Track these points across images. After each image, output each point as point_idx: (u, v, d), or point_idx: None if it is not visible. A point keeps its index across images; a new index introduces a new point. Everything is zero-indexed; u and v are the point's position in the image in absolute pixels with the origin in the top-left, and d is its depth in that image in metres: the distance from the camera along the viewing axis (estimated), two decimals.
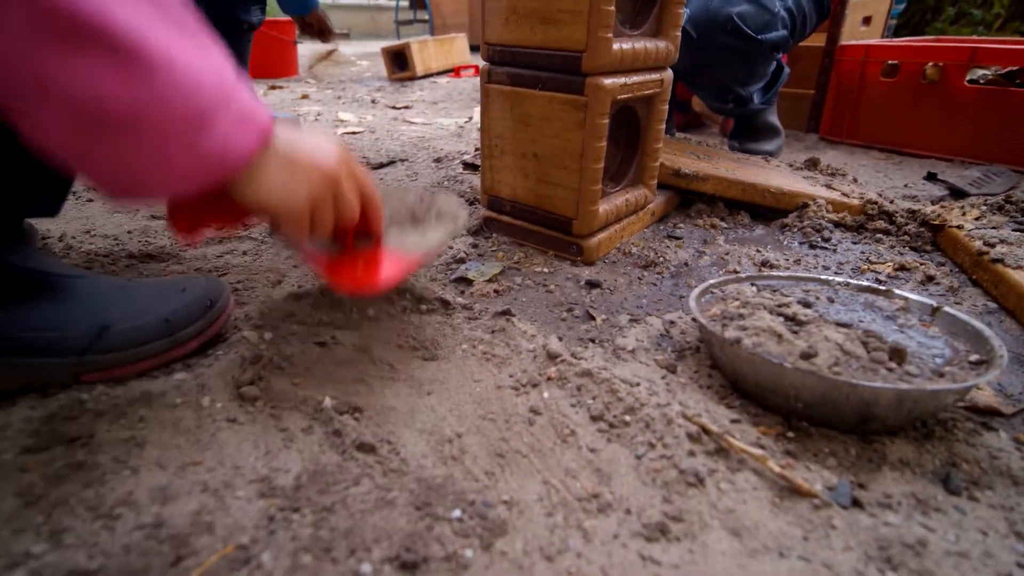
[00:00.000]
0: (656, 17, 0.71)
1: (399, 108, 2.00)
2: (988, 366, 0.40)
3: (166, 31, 0.31)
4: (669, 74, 0.75)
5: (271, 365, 0.47)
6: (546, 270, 0.70)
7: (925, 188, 1.11)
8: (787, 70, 1.20)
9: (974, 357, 0.41)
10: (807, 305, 0.49)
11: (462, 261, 0.71)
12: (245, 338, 0.49)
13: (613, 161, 0.82)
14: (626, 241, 0.79)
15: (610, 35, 0.62)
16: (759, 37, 0.95)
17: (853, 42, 1.47)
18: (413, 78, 2.81)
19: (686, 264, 0.73)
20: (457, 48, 3.13)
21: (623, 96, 0.68)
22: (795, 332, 0.42)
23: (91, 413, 0.40)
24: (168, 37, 0.31)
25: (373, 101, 2.11)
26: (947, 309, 0.47)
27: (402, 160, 1.23)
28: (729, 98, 1.11)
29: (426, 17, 4.87)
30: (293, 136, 0.40)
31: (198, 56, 0.33)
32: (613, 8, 0.61)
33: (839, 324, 0.43)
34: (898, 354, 0.39)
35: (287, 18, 2.96)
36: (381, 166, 1.18)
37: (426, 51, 2.87)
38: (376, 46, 5.95)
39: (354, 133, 1.52)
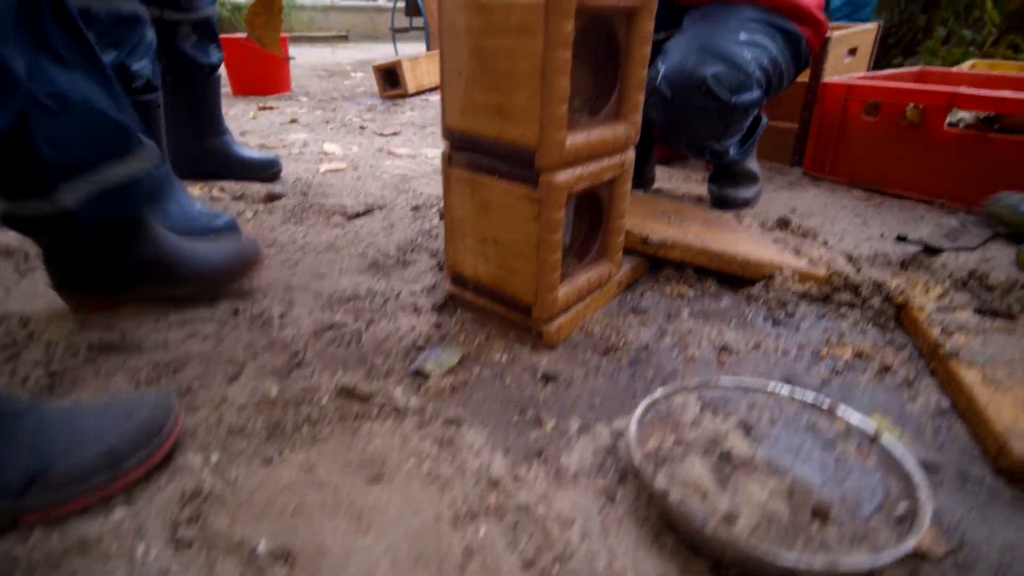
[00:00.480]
0: (616, 101, 0.71)
1: (386, 135, 2.00)
2: (912, 523, 0.40)
3: None
4: (630, 155, 0.75)
5: (212, 497, 0.47)
6: (505, 358, 0.70)
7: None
8: (764, 121, 1.19)
9: (902, 508, 0.42)
10: (747, 430, 0.49)
11: (422, 348, 0.71)
12: (188, 467, 0.49)
13: (577, 237, 0.82)
14: (590, 319, 0.79)
15: (563, 134, 0.62)
16: (732, 101, 0.94)
17: (836, 79, 1.46)
18: (405, 96, 2.81)
19: (646, 347, 0.73)
20: None
21: (580, 187, 0.68)
22: (724, 481, 0.42)
23: (23, 569, 0.40)
24: None
25: (361, 127, 2.10)
26: (884, 441, 0.47)
27: (380, 207, 1.23)
28: (705, 152, 1.11)
29: (422, 24, 4.86)
30: None
31: None
32: (565, 110, 0.61)
33: (770, 467, 0.44)
34: (821, 513, 0.40)
35: (280, 35, 2.96)
36: (357, 215, 1.18)
37: (418, 68, 2.87)
38: (373, 50, 5.94)
39: (336, 171, 1.52)
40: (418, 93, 2.89)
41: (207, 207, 1.01)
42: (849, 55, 1.71)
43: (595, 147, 0.67)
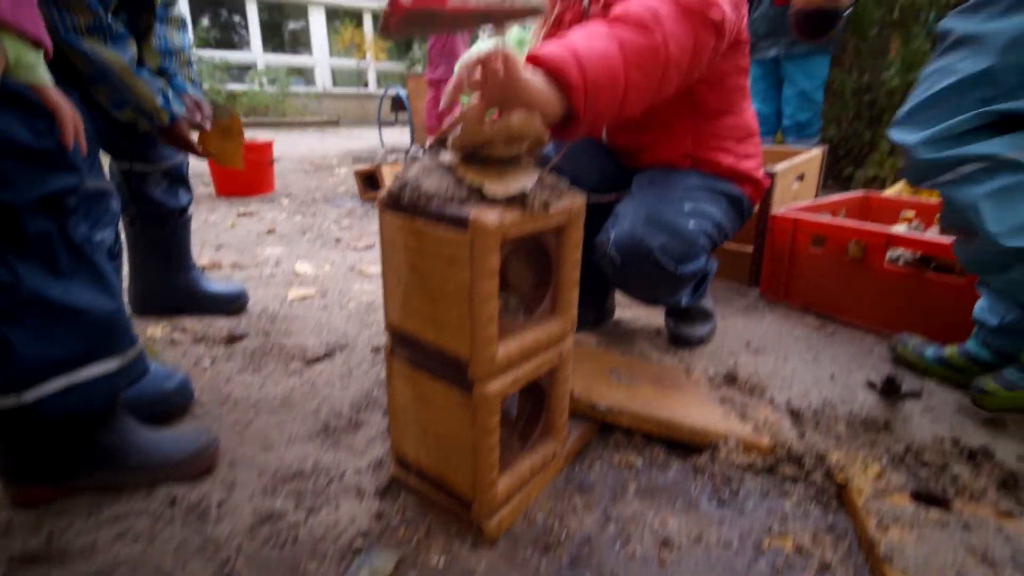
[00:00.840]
0: (551, 299, 0.74)
1: (360, 249, 2.05)
2: None
3: None
4: (567, 344, 0.77)
5: None
6: (443, 560, 0.69)
7: (852, 379, 1.14)
8: (715, 266, 1.24)
9: None
10: None
11: (359, 550, 0.70)
12: None
13: (522, 414, 0.83)
14: (533, 503, 0.78)
15: (493, 348, 0.64)
16: (678, 271, 0.99)
17: (783, 211, 1.54)
18: None
19: (588, 540, 0.73)
20: None
21: (516, 388, 0.69)
22: None
23: None
24: None
25: (337, 239, 2.16)
26: None
27: (341, 348, 1.24)
28: (659, 303, 1.15)
29: (407, 119, 5.11)
30: None
31: None
32: (495, 329, 0.63)
33: None
34: None
35: (266, 140, 3.09)
36: (317, 359, 1.19)
37: (396, 170, 2.99)
38: (362, 137, 6.20)
39: (304, 298, 1.55)
40: None
41: (160, 366, 1.01)
42: (798, 180, 1.82)
43: (529, 350, 0.70)
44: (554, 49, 0.73)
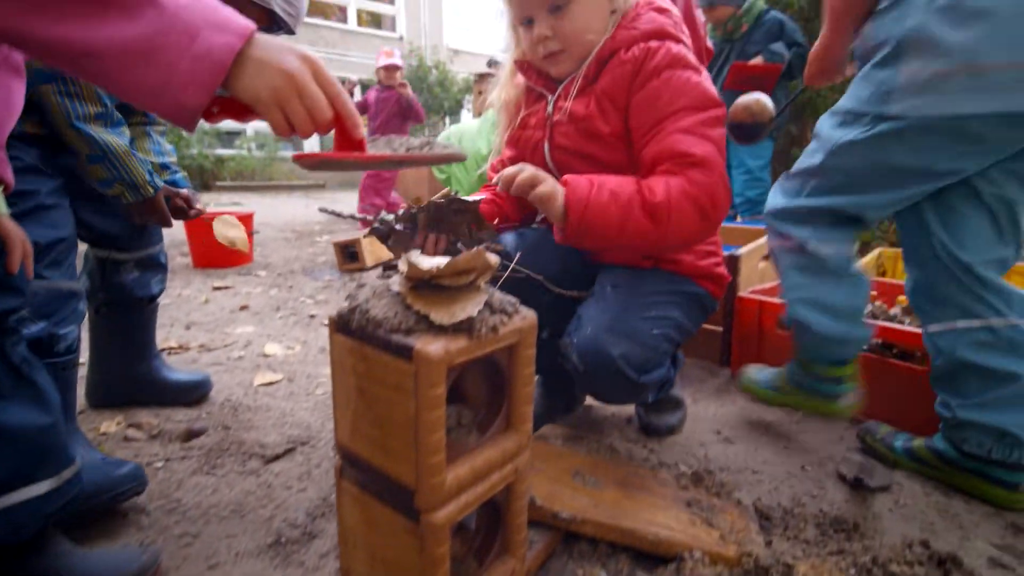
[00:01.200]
0: (505, 415, 0.74)
1: None
2: None
3: None
4: (524, 458, 0.76)
5: None
6: None
7: (822, 471, 1.13)
8: (682, 360, 1.25)
9: None
10: None
11: None
12: None
13: (479, 528, 0.80)
14: None
15: (441, 477, 0.63)
16: (640, 380, 0.98)
17: (748, 293, 1.58)
18: (363, 269, 2.92)
19: None
20: None
21: (468, 511, 0.67)
22: None
23: None
24: None
25: (311, 316, 2.14)
26: None
27: (302, 443, 1.21)
28: (623, 404, 1.14)
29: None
30: (268, 43, 0.52)
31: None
32: (443, 457, 0.62)
33: None
34: None
35: (247, 212, 3.12)
36: (276, 458, 1.15)
37: (376, 243, 3.02)
38: (347, 202, 6.29)
39: (271, 383, 1.51)
40: (376, 265, 3.01)
41: (110, 458, 0.97)
42: (763, 260, 1.87)
43: (481, 471, 0.68)
44: (580, 183, 0.90)
